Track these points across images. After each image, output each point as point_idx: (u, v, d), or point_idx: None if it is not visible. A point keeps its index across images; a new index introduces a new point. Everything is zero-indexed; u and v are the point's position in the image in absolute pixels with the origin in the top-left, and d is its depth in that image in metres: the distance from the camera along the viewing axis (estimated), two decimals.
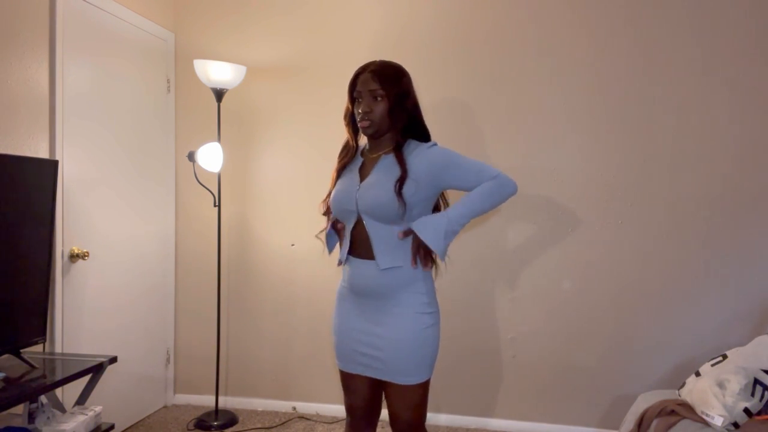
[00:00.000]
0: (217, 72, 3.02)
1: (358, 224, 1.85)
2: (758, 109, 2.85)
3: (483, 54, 3.10)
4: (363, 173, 1.88)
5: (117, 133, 2.97)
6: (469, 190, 1.82)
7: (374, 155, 1.89)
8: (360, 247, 1.85)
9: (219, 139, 3.16)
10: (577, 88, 3.01)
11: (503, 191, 1.83)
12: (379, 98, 1.81)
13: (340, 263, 1.95)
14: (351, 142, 1.95)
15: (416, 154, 1.83)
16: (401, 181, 1.76)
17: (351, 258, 1.88)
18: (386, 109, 1.81)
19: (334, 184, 1.95)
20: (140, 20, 3.11)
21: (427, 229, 1.77)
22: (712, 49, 2.88)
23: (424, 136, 1.91)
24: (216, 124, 3.18)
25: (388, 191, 1.76)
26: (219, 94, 3.11)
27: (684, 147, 2.93)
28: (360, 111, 1.82)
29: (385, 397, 1.90)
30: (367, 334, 1.85)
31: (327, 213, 2.02)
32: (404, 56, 3.17)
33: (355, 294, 1.88)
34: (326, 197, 2.00)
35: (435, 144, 1.87)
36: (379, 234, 1.80)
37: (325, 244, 2.01)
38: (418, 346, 1.81)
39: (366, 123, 1.82)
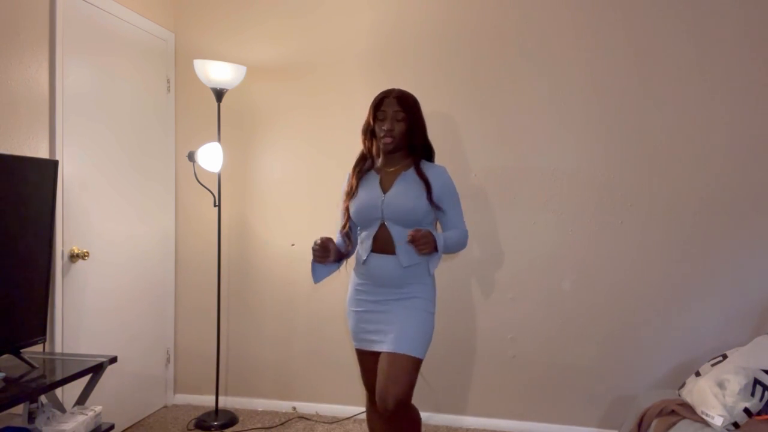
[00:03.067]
0: (217, 72, 3.02)
1: (381, 228, 2.17)
2: (757, 109, 2.85)
3: (482, 54, 3.10)
4: (384, 186, 2.20)
5: (117, 133, 2.97)
6: (444, 223, 2.24)
7: (391, 170, 2.22)
8: (382, 245, 2.17)
9: (219, 139, 3.16)
10: (576, 88, 3.01)
11: (464, 244, 2.27)
12: (400, 119, 2.16)
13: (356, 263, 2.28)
14: (366, 153, 2.29)
15: (432, 172, 2.20)
16: (430, 192, 2.14)
17: (373, 254, 2.18)
18: (405, 129, 2.17)
19: (350, 197, 2.25)
20: (140, 20, 3.11)
21: (438, 239, 2.11)
22: (710, 49, 2.88)
23: (429, 155, 2.29)
24: (216, 124, 3.18)
25: (411, 200, 2.13)
26: (219, 94, 3.11)
27: (684, 147, 2.93)
28: (384, 128, 2.16)
29: (379, 373, 2.11)
30: (382, 313, 2.17)
31: (344, 227, 2.31)
32: (403, 56, 3.19)
33: (373, 283, 2.20)
34: (346, 219, 2.28)
35: (444, 168, 2.24)
36: (401, 236, 2.12)
37: (312, 273, 2.26)
38: (422, 324, 2.15)
39: (389, 140, 2.16)
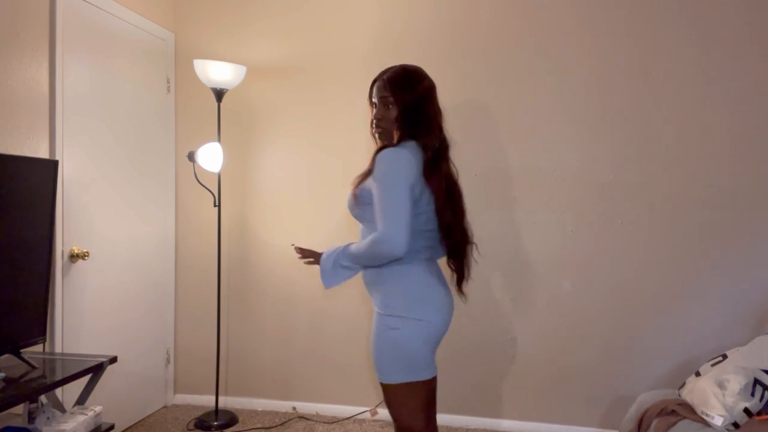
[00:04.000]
0: (217, 72, 3.02)
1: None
2: (758, 110, 2.85)
3: (483, 54, 3.10)
4: None
5: (117, 133, 2.97)
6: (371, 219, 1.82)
7: None
8: None
9: (219, 139, 3.16)
10: (576, 88, 3.01)
11: (376, 253, 1.76)
12: (390, 105, 1.84)
13: None
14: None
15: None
16: (362, 178, 1.84)
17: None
18: (396, 115, 1.83)
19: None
20: (140, 20, 3.11)
21: (326, 263, 1.88)
22: (712, 50, 2.88)
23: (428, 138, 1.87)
24: (216, 124, 3.18)
25: (353, 193, 1.85)
26: (219, 94, 3.11)
27: (684, 147, 2.92)
28: (372, 118, 1.88)
29: None
30: None
31: None
32: (403, 57, 3.17)
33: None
34: None
35: (393, 149, 1.78)
36: (361, 233, 1.91)
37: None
38: (379, 345, 1.84)
39: (379, 130, 1.87)
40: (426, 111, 1.87)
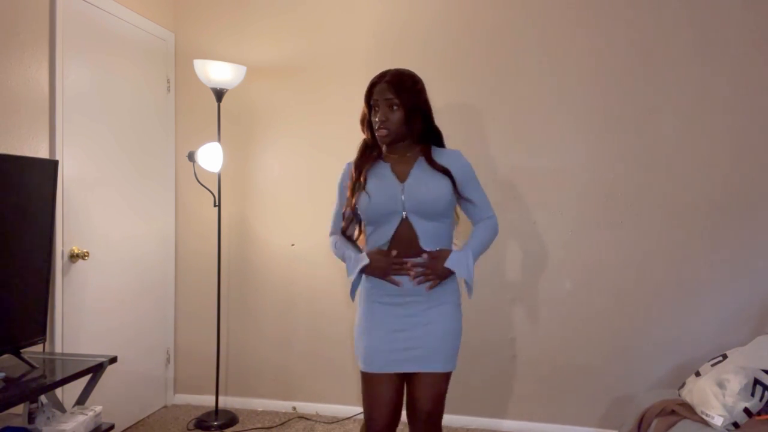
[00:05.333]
0: (217, 72, 3.02)
1: (402, 224, 1.90)
2: (758, 111, 2.85)
3: (484, 55, 3.10)
4: (398, 174, 1.94)
5: (117, 133, 2.97)
6: (472, 213, 2.03)
7: (403, 159, 1.96)
8: (404, 247, 1.90)
9: (219, 139, 3.16)
10: (577, 89, 3.01)
11: (496, 233, 2.06)
12: (395, 107, 1.89)
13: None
14: (370, 141, 2.00)
15: (446, 158, 1.96)
16: (452, 180, 1.92)
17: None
18: (402, 117, 1.90)
19: (353, 191, 1.96)
20: (140, 20, 3.11)
21: (461, 265, 1.90)
22: (712, 50, 2.88)
23: (438, 139, 2.03)
24: (216, 124, 3.18)
25: (434, 189, 1.88)
26: (219, 94, 3.11)
27: (684, 148, 2.92)
28: (377, 120, 1.90)
29: (412, 392, 1.94)
30: (409, 329, 1.90)
31: (346, 227, 2.05)
32: (404, 56, 3.18)
33: (396, 293, 1.91)
34: (349, 218, 2.02)
35: (459, 152, 2.01)
36: (426, 231, 1.89)
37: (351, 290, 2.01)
38: (456, 335, 1.95)
39: (384, 132, 1.90)
40: (427, 111, 1.98)
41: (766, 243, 2.86)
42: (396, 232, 1.90)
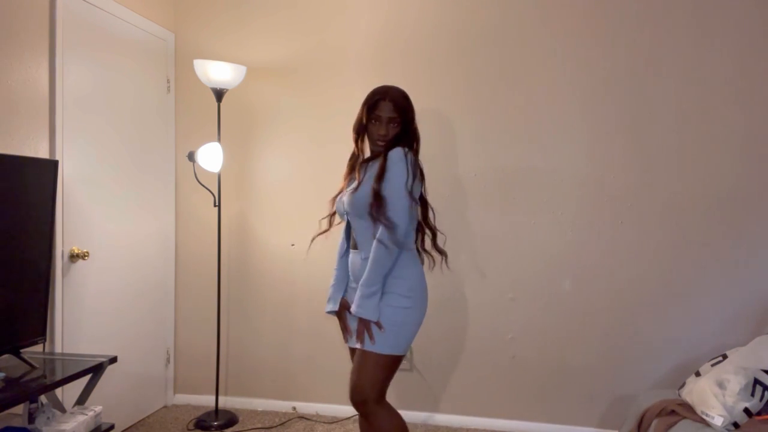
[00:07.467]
0: (217, 72, 3.02)
1: (348, 223, 2.19)
2: (758, 110, 2.85)
3: (484, 55, 3.10)
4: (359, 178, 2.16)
5: (117, 133, 2.97)
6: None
7: (365, 163, 2.18)
8: (354, 241, 2.18)
9: (219, 139, 3.16)
10: (577, 88, 3.01)
11: (383, 258, 2.05)
12: (394, 124, 2.12)
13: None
14: (357, 152, 2.23)
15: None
16: (379, 178, 2.04)
17: (350, 250, 2.21)
18: (398, 133, 2.14)
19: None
20: (140, 20, 3.11)
21: (362, 308, 2.05)
22: (712, 49, 2.88)
23: (413, 144, 2.18)
24: (216, 124, 3.18)
25: (360, 189, 2.08)
26: (219, 94, 3.11)
27: (684, 147, 2.93)
28: (380, 134, 2.12)
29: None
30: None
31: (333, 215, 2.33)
32: (404, 56, 3.19)
33: (352, 278, 2.21)
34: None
35: (401, 149, 2.08)
36: (360, 230, 2.12)
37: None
38: (387, 320, 2.06)
39: (382, 144, 2.13)
40: (415, 127, 2.20)
41: (766, 243, 2.86)
42: (348, 228, 2.23)
